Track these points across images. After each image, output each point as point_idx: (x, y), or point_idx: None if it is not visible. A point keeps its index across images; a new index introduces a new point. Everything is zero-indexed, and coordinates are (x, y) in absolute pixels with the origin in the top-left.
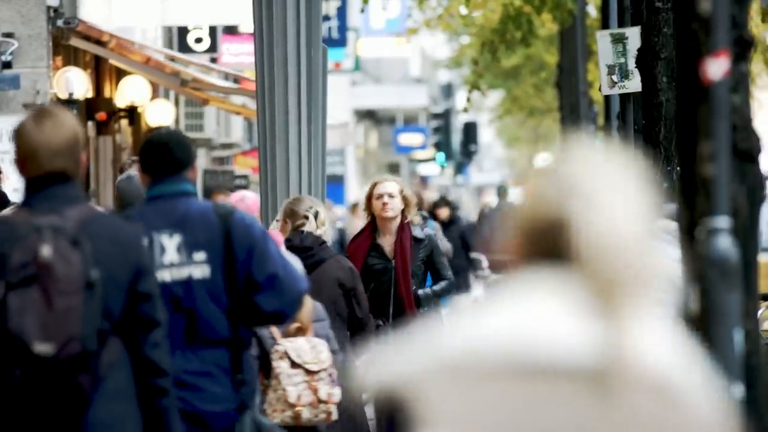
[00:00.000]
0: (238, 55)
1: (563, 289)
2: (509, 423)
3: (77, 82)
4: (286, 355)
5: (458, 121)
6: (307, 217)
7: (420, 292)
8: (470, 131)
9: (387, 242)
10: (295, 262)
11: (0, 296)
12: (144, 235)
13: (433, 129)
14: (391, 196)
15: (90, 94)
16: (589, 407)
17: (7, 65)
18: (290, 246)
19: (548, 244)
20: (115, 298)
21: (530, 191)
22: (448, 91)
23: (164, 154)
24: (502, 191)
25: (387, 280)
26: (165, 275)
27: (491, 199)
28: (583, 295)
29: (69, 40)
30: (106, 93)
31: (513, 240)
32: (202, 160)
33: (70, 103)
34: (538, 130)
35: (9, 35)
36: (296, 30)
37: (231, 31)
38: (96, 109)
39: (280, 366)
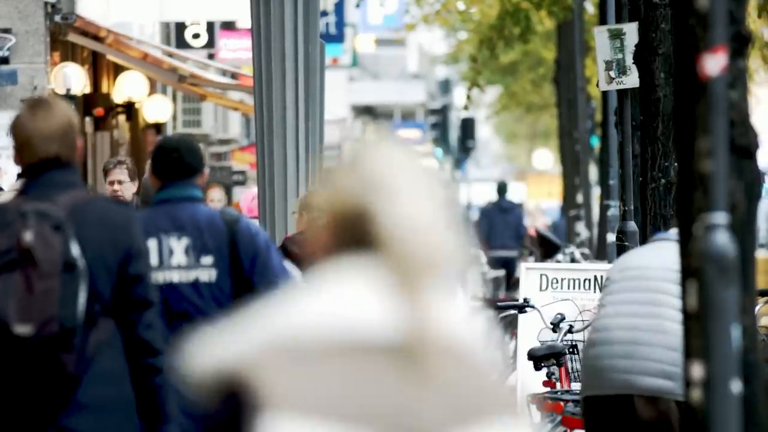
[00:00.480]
0: (236, 50)
1: (369, 274)
2: (332, 400)
3: (75, 78)
4: None
5: (456, 117)
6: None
7: None
8: (468, 127)
9: None
10: (296, 273)
11: None
12: (135, 218)
13: (430, 125)
14: None
15: (87, 90)
16: (400, 379)
17: (5, 61)
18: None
19: (354, 233)
20: (105, 280)
21: (336, 185)
22: (445, 86)
23: (174, 160)
24: (501, 188)
25: None
26: (173, 276)
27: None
28: (387, 278)
29: (66, 35)
30: (104, 89)
31: (323, 231)
32: None
33: (67, 98)
34: (536, 125)
35: (6, 31)
36: (294, 26)
37: (228, 26)
38: (93, 105)
39: None
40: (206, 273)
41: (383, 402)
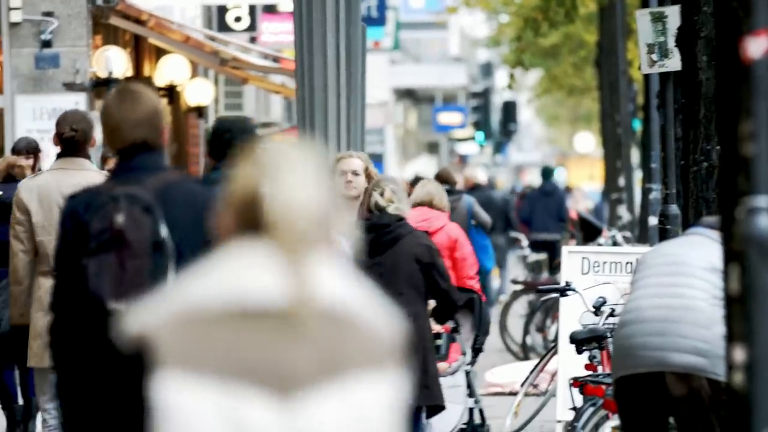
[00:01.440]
0: (278, 34)
1: (260, 251)
2: (226, 358)
3: (116, 61)
4: None
5: (497, 100)
6: (370, 195)
7: None
8: (509, 110)
9: None
10: (342, 241)
11: (82, 261)
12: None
13: (472, 108)
14: (355, 173)
15: (129, 73)
16: (280, 338)
17: (47, 44)
18: (370, 224)
19: (247, 217)
20: (191, 259)
21: (233, 176)
22: (487, 70)
23: (227, 141)
24: (547, 172)
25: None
26: None
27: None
28: (275, 253)
29: (108, 19)
30: (146, 72)
31: (224, 214)
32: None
33: (109, 82)
34: (577, 109)
35: (49, 14)
36: (335, 9)
37: (270, 10)
38: None
39: None
40: None
41: (263, 358)
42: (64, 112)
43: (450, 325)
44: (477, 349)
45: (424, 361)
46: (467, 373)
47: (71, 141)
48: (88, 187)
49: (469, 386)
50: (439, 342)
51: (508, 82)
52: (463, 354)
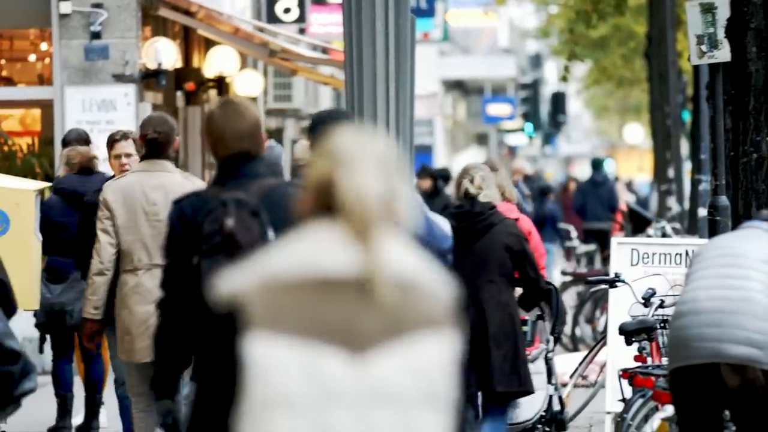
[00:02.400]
0: (327, 25)
1: (335, 229)
2: (305, 320)
3: (166, 53)
4: None
5: (546, 92)
6: (460, 183)
7: None
8: (559, 101)
9: None
10: (443, 224)
11: (195, 262)
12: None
13: (521, 99)
14: None
15: (179, 65)
16: (351, 303)
17: (96, 36)
18: (462, 212)
19: (324, 198)
20: None
21: (313, 162)
22: (536, 61)
23: (323, 132)
24: (597, 163)
25: None
26: None
27: (582, 170)
28: (347, 231)
29: (158, 10)
30: (195, 63)
31: (304, 196)
32: (291, 131)
33: (158, 73)
34: (626, 100)
35: (98, 6)
36: (385, 0)
37: (319, 1)
38: (185, 80)
39: None
40: None
41: (337, 320)
42: (149, 115)
43: (535, 312)
44: (555, 338)
45: (514, 348)
46: (547, 361)
47: (154, 143)
48: (194, 191)
49: (549, 373)
50: (525, 329)
51: (562, 74)
52: (547, 342)
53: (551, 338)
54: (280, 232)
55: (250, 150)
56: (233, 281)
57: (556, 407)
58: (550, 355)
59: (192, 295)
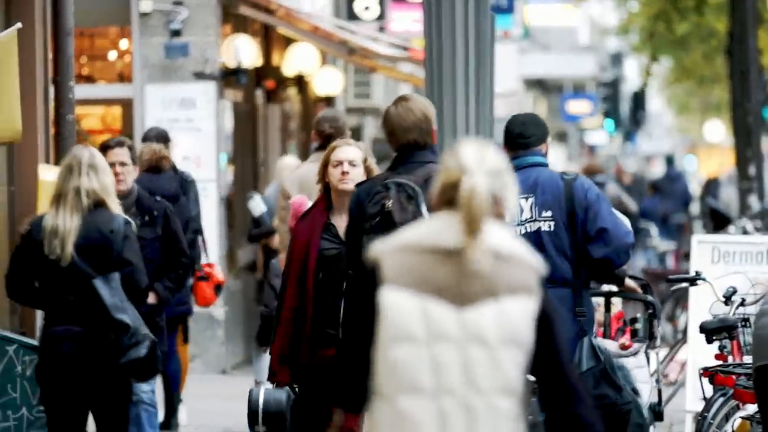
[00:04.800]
0: (406, 23)
1: (452, 217)
2: (426, 278)
3: (246, 51)
4: None
5: (627, 89)
6: None
7: None
8: (639, 100)
9: (342, 221)
10: (625, 221)
11: (362, 240)
12: None
13: (601, 97)
14: (352, 164)
15: (259, 63)
16: (462, 270)
17: (177, 33)
18: None
19: (448, 195)
20: None
21: (443, 166)
22: (616, 59)
23: (519, 133)
24: (670, 159)
25: (338, 268)
26: (521, 229)
27: (660, 168)
28: (461, 219)
29: (238, 8)
30: (275, 61)
31: (434, 192)
32: (370, 129)
33: (238, 71)
34: (707, 98)
35: (178, 3)
36: None
37: None
38: (264, 78)
39: None
40: (547, 224)
41: (446, 280)
42: (323, 112)
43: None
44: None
45: None
46: (647, 354)
47: (331, 137)
48: (369, 178)
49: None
50: (638, 326)
51: (644, 75)
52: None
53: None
54: None
55: (418, 141)
56: (377, 247)
57: (654, 399)
58: (649, 350)
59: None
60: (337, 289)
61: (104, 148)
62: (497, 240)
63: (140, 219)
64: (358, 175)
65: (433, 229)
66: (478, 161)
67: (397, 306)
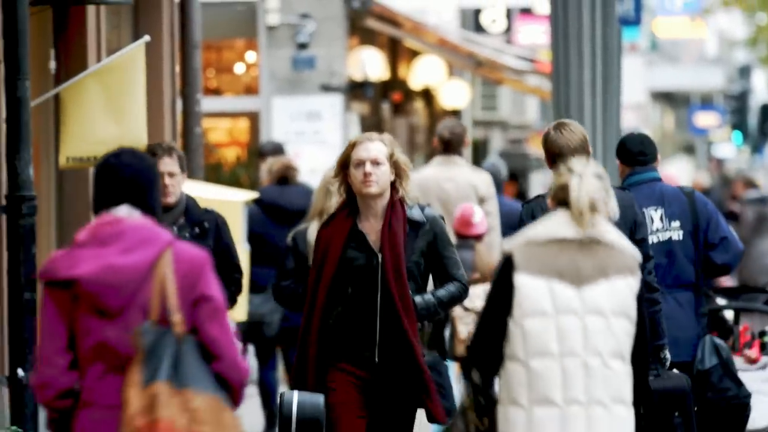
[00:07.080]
0: (533, 35)
1: (567, 215)
2: (549, 263)
3: (372, 63)
4: None
5: (755, 102)
6: None
7: (417, 298)
8: (767, 112)
9: (371, 228)
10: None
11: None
12: (634, 201)
13: (729, 110)
14: (375, 163)
15: (385, 76)
16: (579, 256)
17: (303, 46)
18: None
19: (562, 196)
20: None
21: (558, 173)
22: (745, 71)
23: (640, 151)
24: None
25: (371, 281)
26: (653, 238)
27: None
28: (573, 215)
29: (365, 21)
30: (401, 74)
31: (551, 195)
32: (497, 142)
33: (365, 84)
34: None
35: (306, 16)
36: (591, 10)
37: (526, 12)
38: (391, 90)
39: (455, 310)
40: (676, 234)
41: (567, 265)
42: (444, 120)
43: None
44: None
45: None
46: None
47: (449, 143)
48: (538, 195)
49: None
50: (767, 339)
51: None
52: None
53: None
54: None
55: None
56: (509, 242)
57: None
58: None
59: None
60: (370, 306)
61: (151, 155)
62: (603, 230)
63: (189, 231)
64: (383, 174)
65: (551, 224)
66: (583, 166)
67: (529, 287)
